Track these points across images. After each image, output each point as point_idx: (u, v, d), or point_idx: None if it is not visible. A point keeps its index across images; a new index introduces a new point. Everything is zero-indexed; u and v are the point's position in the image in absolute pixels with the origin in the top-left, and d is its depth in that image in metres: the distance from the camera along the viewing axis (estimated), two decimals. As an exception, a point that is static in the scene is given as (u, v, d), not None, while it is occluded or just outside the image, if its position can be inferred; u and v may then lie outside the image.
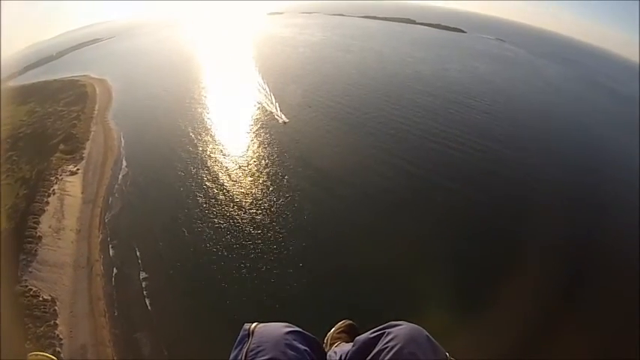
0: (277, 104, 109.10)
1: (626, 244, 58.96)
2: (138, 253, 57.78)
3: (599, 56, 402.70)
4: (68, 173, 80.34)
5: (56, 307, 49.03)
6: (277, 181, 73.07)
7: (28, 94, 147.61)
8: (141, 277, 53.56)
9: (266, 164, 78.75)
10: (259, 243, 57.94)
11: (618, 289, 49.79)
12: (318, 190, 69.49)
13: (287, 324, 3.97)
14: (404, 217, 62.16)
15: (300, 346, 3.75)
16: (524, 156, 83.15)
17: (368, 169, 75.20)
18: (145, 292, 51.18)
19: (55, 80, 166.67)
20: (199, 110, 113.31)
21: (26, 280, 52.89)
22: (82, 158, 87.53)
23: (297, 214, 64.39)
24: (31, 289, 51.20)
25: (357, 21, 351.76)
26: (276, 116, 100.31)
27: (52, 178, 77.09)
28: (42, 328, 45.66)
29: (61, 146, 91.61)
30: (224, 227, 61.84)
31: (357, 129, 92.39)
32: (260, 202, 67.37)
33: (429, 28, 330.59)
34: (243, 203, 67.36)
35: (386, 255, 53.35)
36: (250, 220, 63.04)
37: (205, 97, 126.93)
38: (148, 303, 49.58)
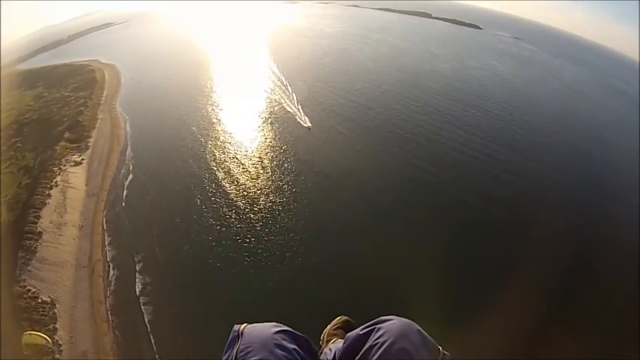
0: (294, 95, 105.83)
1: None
2: (142, 254, 55.25)
3: (612, 58, 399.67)
4: (72, 163, 77.61)
5: (56, 310, 46.74)
6: (288, 179, 70.15)
7: (36, 78, 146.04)
8: (145, 280, 51.08)
9: (278, 161, 75.73)
10: (272, 244, 55.63)
11: (618, 288, 49.89)
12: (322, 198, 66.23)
13: (276, 323, 3.93)
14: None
15: (289, 345, 3.70)
16: (545, 169, 79.86)
17: (379, 176, 71.90)
18: (148, 297, 48.80)
19: (64, 64, 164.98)
20: (209, 100, 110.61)
21: (25, 279, 50.43)
22: (87, 147, 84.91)
23: (301, 205, 63.20)
24: (30, 290, 48.81)
25: (372, 13, 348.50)
26: (296, 116, 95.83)
27: (56, 169, 74.29)
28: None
29: (67, 134, 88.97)
30: (236, 225, 59.35)
31: (373, 131, 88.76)
32: (272, 198, 65.10)
33: (445, 23, 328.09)
34: (255, 198, 65.09)
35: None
36: (264, 217, 60.73)
37: (217, 85, 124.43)
38: (152, 309, 47.21)
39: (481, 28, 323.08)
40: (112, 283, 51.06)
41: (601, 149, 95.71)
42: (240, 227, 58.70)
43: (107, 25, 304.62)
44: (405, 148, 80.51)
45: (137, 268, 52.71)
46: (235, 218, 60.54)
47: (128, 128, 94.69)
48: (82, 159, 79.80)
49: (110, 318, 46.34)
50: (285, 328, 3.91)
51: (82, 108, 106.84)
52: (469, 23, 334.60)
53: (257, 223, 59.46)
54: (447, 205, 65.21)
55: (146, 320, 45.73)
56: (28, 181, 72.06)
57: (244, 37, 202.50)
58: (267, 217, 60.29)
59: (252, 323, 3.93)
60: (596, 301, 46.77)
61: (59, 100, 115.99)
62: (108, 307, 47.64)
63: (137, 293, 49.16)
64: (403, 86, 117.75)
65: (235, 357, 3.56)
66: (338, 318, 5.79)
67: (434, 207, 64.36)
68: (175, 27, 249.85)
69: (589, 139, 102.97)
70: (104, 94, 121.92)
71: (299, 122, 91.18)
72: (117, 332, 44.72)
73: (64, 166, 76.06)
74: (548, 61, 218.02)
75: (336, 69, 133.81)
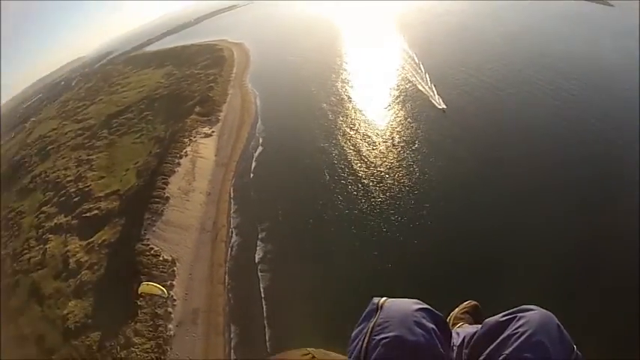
0: (426, 75, 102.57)
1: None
2: (266, 223, 54.61)
3: None
4: (202, 135, 78.63)
5: (175, 269, 48.20)
6: (417, 160, 65.77)
7: (165, 58, 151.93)
8: (266, 248, 50.67)
9: (408, 141, 71.20)
10: (396, 226, 52.33)
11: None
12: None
13: (417, 300, 3.58)
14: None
15: (427, 324, 3.34)
16: None
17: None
18: (267, 265, 48.63)
19: (192, 45, 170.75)
20: (339, 77, 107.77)
21: (149, 239, 51.87)
22: (217, 121, 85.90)
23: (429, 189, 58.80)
24: (153, 248, 50.40)
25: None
26: (429, 95, 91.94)
27: (186, 140, 75.34)
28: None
29: (197, 108, 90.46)
30: (362, 203, 56.94)
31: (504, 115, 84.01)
32: (401, 179, 60.89)
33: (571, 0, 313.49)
34: (383, 177, 61.56)
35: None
36: (391, 197, 57.37)
37: (347, 62, 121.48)
38: (269, 276, 47.04)
39: (612, 5, 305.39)
40: (234, 249, 51.47)
41: None
42: (366, 206, 56.61)
43: (232, 7, 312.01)
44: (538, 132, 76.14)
45: (260, 237, 52.48)
46: (362, 195, 58.43)
47: (258, 103, 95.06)
48: (213, 131, 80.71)
49: (227, 280, 47.10)
50: (425, 306, 3.49)
51: (212, 84, 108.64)
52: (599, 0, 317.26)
53: (383, 203, 56.81)
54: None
55: (261, 287, 45.75)
56: (158, 150, 73.83)
57: (373, 15, 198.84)
58: (394, 198, 57.31)
59: (392, 298, 3.56)
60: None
61: (189, 77, 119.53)
62: (226, 271, 48.40)
63: (256, 260, 49.23)
64: (536, 68, 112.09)
65: (372, 330, 3.23)
66: (467, 302, 5.46)
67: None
68: (302, 7, 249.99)
69: None
70: (234, 71, 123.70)
71: (432, 102, 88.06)
72: (231, 295, 45.53)
73: (195, 137, 77.13)
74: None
75: (466, 48, 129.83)
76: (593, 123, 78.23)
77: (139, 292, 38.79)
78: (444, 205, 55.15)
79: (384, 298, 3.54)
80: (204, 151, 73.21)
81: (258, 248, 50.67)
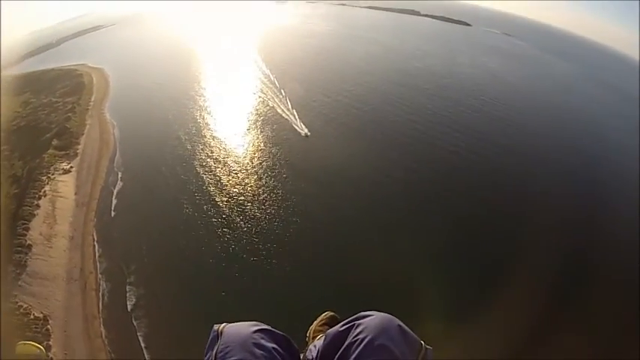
0: (286, 97, 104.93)
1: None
2: (134, 265, 54.41)
3: (602, 53, 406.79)
4: (61, 172, 76.35)
5: (49, 327, 45.95)
6: (277, 185, 69.78)
7: (24, 84, 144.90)
8: (138, 293, 50.22)
9: (268, 168, 74.79)
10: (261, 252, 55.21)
11: (618, 288, 49.81)
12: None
13: (255, 322, 3.92)
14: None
15: (267, 344, 3.68)
16: (541, 169, 79.26)
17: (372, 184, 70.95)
18: (141, 312, 48.02)
19: (52, 69, 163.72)
20: (198, 104, 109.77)
21: (16, 295, 49.28)
22: (76, 155, 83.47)
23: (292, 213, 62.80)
24: (22, 306, 47.87)
25: (360, 11, 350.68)
26: (293, 123, 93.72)
27: (44, 178, 73.08)
28: None
29: (55, 141, 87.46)
30: (227, 235, 58.72)
31: (365, 134, 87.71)
32: (263, 207, 64.30)
33: (434, 20, 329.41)
34: (246, 205, 64.57)
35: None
36: (254, 226, 60.23)
37: (206, 88, 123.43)
38: (146, 324, 46.47)
39: (470, 25, 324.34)
40: (105, 297, 50.20)
41: (597, 147, 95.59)
42: (229, 237, 58.22)
43: (96, 27, 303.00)
44: (400, 151, 79.81)
45: (128, 281, 51.96)
46: (225, 226, 60.23)
47: (117, 133, 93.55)
48: (71, 167, 78.52)
49: (104, 333, 45.69)
50: (264, 327, 3.89)
51: (70, 114, 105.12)
52: (458, 20, 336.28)
53: (247, 232, 58.97)
54: (440, 208, 65.06)
55: (139, 335, 45.29)
56: (16, 191, 70.75)
57: (234, 37, 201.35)
58: (257, 226, 59.67)
59: (232, 322, 3.91)
60: (596, 301, 46.68)
61: (47, 106, 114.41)
62: (101, 322, 46.92)
63: (129, 308, 48.54)
64: (395, 87, 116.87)
65: (215, 357, 3.55)
66: (324, 314, 5.82)
67: (425, 212, 64.13)
68: (164, 28, 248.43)
69: (583, 137, 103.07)
70: (92, 98, 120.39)
71: (294, 127, 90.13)
72: (110, 349, 44.21)
73: (53, 174, 74.85)
74: (538, 58, 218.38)
75: (327, 69, 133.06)
76: (449, 132, 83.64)
77: (17, 354, 36.28)
78: (310, 227, 58.11)
79: (223, 324, 3.88)
80: (63, 189, 71.23)
81: (128, 294, 50.05)
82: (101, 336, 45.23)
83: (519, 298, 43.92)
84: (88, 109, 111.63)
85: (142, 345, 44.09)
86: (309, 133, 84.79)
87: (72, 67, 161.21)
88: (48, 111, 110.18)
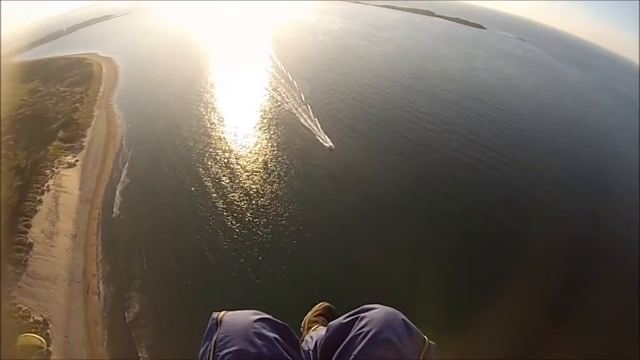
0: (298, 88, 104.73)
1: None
2: (138, 268, 52.51)
3: (614, 61, 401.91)
4: (65, 165, 74.64)
5: (49, 331, 43.87)
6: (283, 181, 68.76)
7: (32, 72, 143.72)
8: (141, 300, 48.19)
9: (276, 162, 74.06)
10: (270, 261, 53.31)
11: (618, 288, 50.72)
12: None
13: (255, 311, 3.84)
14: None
15: (268, 334, 3.57)
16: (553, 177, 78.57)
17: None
18: (144, 321, 46.01)
19: (61, 57, 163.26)
20: (210, 97, 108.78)
21: (15, 296, 47.47)
22: (81, 147, 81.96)
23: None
24: (21, 308, 45.93)
25: (376, 9, 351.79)
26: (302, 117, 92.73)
27: (48, 171, 71.22)
28: (33, 358, 40.41)
29: (60, 133, 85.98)
30: (240, 234, 57.22)
31: (380, 140, 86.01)
32: (275, 209, 62.18)
33: (449, 21, 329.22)
34: (261, 204, 62.90)
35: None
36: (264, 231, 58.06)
37: (217, 83, 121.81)
38: (148, 334, 44.58)
39: (485, 28, 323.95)
40: (107, 302, 48.31)
41: (606, 156, 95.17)
42: (238, 237, 56.82)
43: (108, 17, 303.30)
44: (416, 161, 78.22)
45: (130, 286, 50.09)
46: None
47: (124, 127, 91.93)
48: (77, 160, 76.97)
49: (107, 341, 43.93)
50: (265, 315, 3.76)
51: (77, 104, 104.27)
52: (473, 22, 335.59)
53: (257, 236, 57.08)
54: (451, 215, 63.44)
55: (140, 346, 43.49)
56: (19, 183, 69.27)
57: (247, 32, 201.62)
58: (272, 242, 56.82)
59: (231, 310, 3.78)
60: (596, 301, 47.58)
61: (54, 95, 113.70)
62: (104, 328, 45.24)
63: (132, 316, 46.63)
64: (412, 92, 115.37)
65: (214, 347, 3.40)
66: (319, 304, 5.81)
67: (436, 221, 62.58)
68: (178, 21, 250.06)
69: (594, 145, 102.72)
70: (101, 89, 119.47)
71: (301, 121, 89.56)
72: (112, 356, 42.59)
73: (57, 168, 73.22)
74: (552, 64, 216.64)
75: (340, 70, 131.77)
76: (467, 144, 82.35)
77: (19, 345, 36.77)
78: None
79: (222, 312, 3.68)
80: (67, 184, 69.38)
81: (131, 300, 48.17)
82: (103, 344, 43.63)
83: (519, 298, 44.00)
84: (95, 99, 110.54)
85: (147, 356, 42.43)
86: (332, 146, 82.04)
87: (81, 56, 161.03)
88: (55, 100, 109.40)
